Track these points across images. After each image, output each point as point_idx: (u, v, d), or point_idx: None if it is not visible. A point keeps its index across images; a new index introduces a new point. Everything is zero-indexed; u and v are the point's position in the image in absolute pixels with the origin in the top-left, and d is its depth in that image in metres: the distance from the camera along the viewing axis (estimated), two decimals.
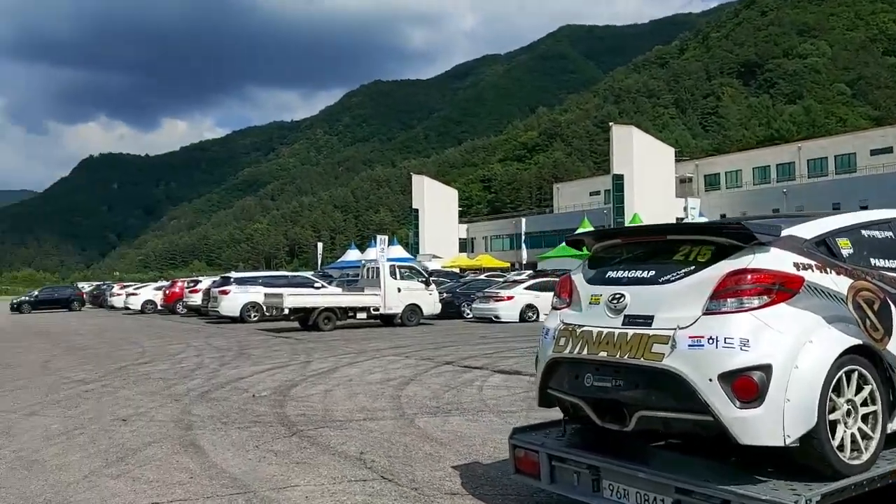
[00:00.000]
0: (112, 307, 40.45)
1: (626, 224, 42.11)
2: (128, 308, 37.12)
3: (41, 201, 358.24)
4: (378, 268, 21.59)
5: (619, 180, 54.10)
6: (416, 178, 78.48)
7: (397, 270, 21.65)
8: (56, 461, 6.25)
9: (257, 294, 24.25)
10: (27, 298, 43.70)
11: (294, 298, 20.11)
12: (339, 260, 71.26)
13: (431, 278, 23.73)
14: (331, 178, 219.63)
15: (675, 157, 63.27)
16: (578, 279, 4.39)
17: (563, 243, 42.04)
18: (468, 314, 24.42)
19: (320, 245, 79.02)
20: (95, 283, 57.45)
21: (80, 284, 57.15)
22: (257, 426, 7.47)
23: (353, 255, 67.06)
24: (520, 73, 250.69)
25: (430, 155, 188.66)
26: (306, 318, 20.15)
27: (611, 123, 60.58)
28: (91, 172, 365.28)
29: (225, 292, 24.65)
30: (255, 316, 24.50)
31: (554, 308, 4.53)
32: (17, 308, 42.04)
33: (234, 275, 27.16)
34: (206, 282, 29.95)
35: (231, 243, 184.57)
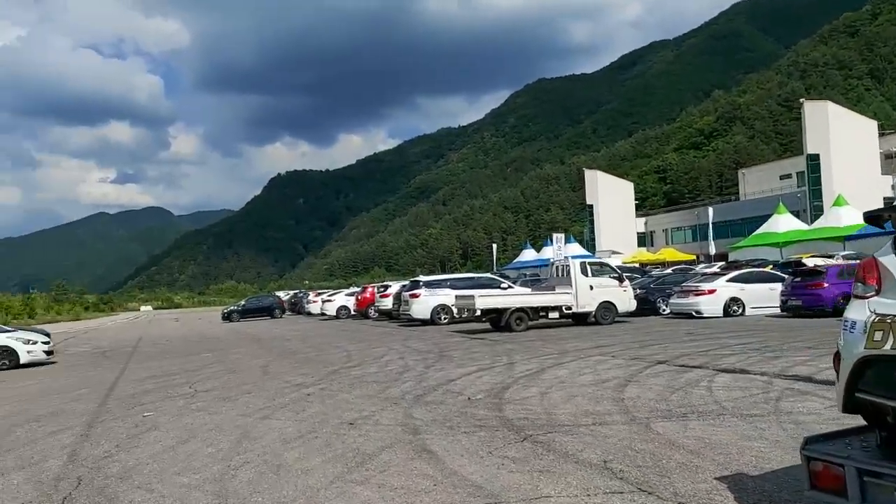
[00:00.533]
0: (309, 313, 42.94)
1: (829, 207, 38.61)
2: (324, 314, 39.17)
3: (239, 219, 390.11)
4: (568, 265, 21.07)
5: (814, 160, 49.70)
6: (588, 174, 76.83)
7: (588, 267, 21.01)
8: (299, 465, 6.37)
9: (446, 296, 24.57)
10: (236, 308, 47.47)
11: (485, 300, 20.08)
12: (514, 260, 71.35)
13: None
14: (499, 180, 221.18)
15: (878, 130, 57.22)
16: (889, 261, 3.71)
17: (758, 231, 39.33)
18: (664, 310, 23.27)
19: (494, 247, 79.57)
20: (292, 292, 61.35)
21: (278, 293, 61.22)
22: (483, 430, 7.28)
23: (528, 254, 66.86)
24: (691, 57, 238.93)
25: (600, 149, 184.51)
26: (498, 319, 20.05)
27: (801, 100, 55.79)
28: (279, 189, 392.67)
29: (416, 296, 25.21)
30: (444, 318, 24.84)
31: (857, 297, 3.87)
32: (227, 317, 45.76)
33: (423, 278, 27.73)
34: (395, 286, 30.89)
35: (407, 249, 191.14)
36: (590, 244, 67.64)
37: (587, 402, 8.51)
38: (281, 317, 45.77)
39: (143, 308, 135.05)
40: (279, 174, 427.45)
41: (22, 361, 18.58)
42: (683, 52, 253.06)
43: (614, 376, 10.48)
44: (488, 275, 31.70)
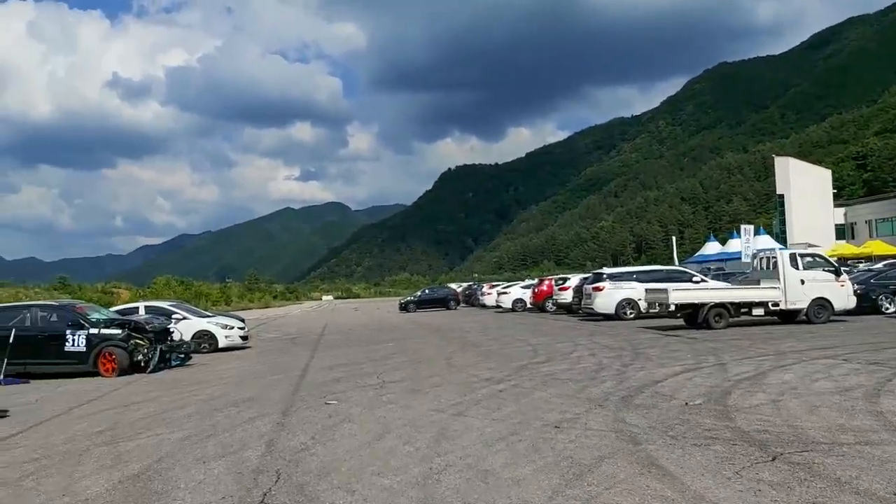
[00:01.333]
0: (483, 305, 42.77)
1: None
2: (499, 306, 38.77)
3: (411, 213, 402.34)
4: (775, 257, 18.99)
5: None
6: (779, 161, 70.80)
7: (799, 259, 18.77)
8: (508, 473, 5.64)
9: (632, 290, 23.16)
10: (412, 299, 48.46)
11: (680, 293, 18.52)
12: (697, 254, 67.41)
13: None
14: (676, 170, 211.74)
15: None
16: None
17: None
18: (888, 309, 20.48)
19: (674, 239, 75.69)
20: (465, 284, 61.74)
21: (451, 285, 61.85)
22: (717, 444, 6.19)
23: (712, 247, 62.89)
24: (894, 32, 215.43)
25: (788, 135, 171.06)
26: (694, 315, 18.43)
27: None
28: (450, 184, 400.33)
29: (599, 289, 23.98)
30: (630, 313, 23.40)
31: None
32: (404, 307, 46.80)
33: (606, 270, 26.45)
34: (574, 279, 29.77)
35: (578, 242, 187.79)
36: (780, 237, 62.41)
37: (837, 415, 7.13)
38: (456, 308, 46.03)
39: (324, 297, 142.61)
40: (449, 169, 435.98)
41: (220, 345, 19.53)
42: (887, 26, 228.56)
43: (858, 384, 8.90)
44: (678, 267, 29.69)
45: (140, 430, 8.32)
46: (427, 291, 52.06)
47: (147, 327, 15.29)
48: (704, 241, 69.67)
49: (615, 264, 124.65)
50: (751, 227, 51.39)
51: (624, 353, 13.84)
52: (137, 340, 14.88)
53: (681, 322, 19.39)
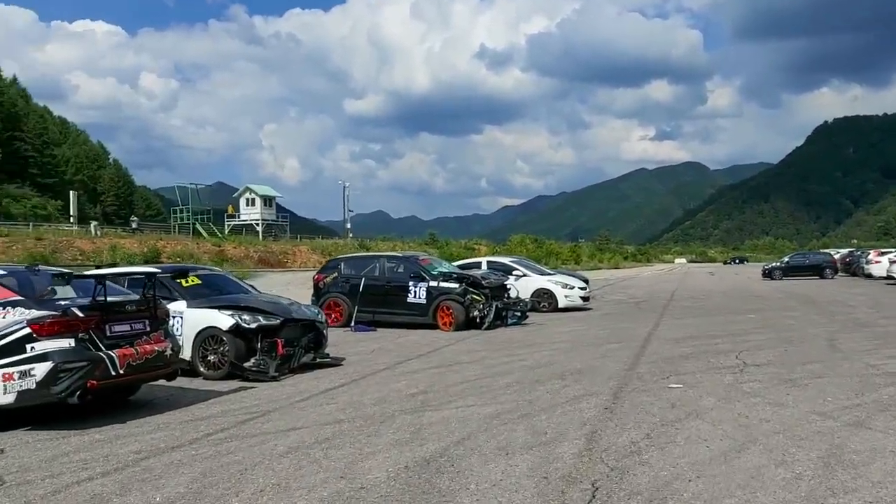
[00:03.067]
0: (869, 275, 36.09)
1: None
2: (891, 277, 32.24)
3: (777, 172, 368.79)
4: None
5: None
6: None
7: None
8: None
9: None
10: (778, 265, 43.10)
11: None
12: None
13: None
14: None
15: None
16: None
17: None
18: None
19: None
20: (843, 250, 53.46)
21: (828, 251, 54.03)
22: None
23: None
24: None
25: None
26: None
27: None
28: (825, 139, 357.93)
29: None
30: None
31: None
32: (768, 274, 41.83)
33: None
34: None
35: None
36: None
37: None
38: (832, 277, 39.72)
39: (677, 260, 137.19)
40: (825, 122, 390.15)
41: (559, 305, 18.53)
42: None
43: None
44: None
45: (452, 398, 7.38)
46: (797, 257, 45.93)
47: (483, 283, 14.78)
48: None
49: None
50: None
51: None
52: (474, 296, 14.44)
53: None
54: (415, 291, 14.63)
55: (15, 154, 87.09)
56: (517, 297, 16.16)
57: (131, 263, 34.69)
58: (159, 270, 9.55)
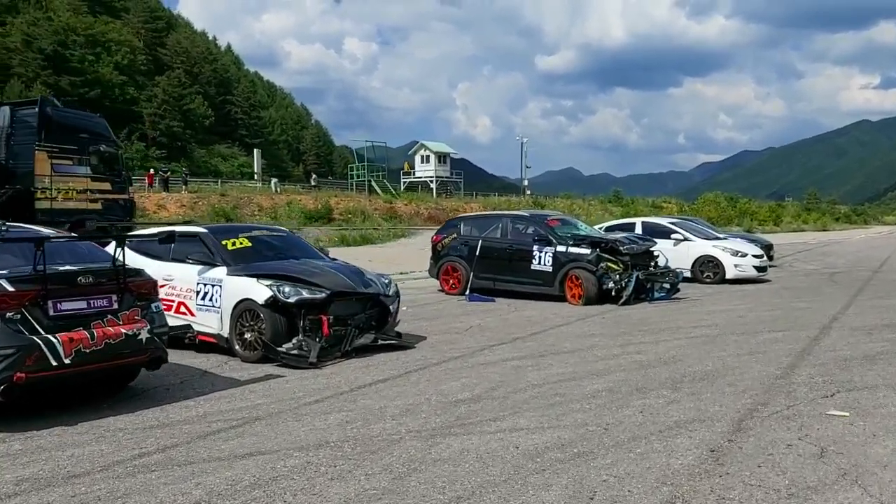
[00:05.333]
0: None
1: None
2: None
3: None
4: None
5: None
6: None
7: None
8: None
9: None
10: None
11: None
12: None
13: None
14: None
15: None
16: None
17: None
18: None
19: None
20: None
21: None
22: None
23: None
24: None
25: None
26: None
27: None
28: None
29: None
30: None
31: None
32: None
33: None
34: None
35: None
36: None
37: None
38: None
39: None
40: None
41: (727, 276, 15.54)
42: None
43: None
44: None
45: (502, 413, 5.43)
46: None
47: (622, 249, 12.38)
48: None
49: None
50: None
51: None
52: (610, 264, 12.11)
53: None
54: (540, 257, 12.56)
55: (227, 116, 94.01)
56: (666, 266, 13.51)
57: (309, 218, 35.32)
58: (204, 230, 8.39)
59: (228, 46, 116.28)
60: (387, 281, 8.36)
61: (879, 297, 13.23)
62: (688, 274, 15.56)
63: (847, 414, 5.22)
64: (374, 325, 7.98)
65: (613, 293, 11.97)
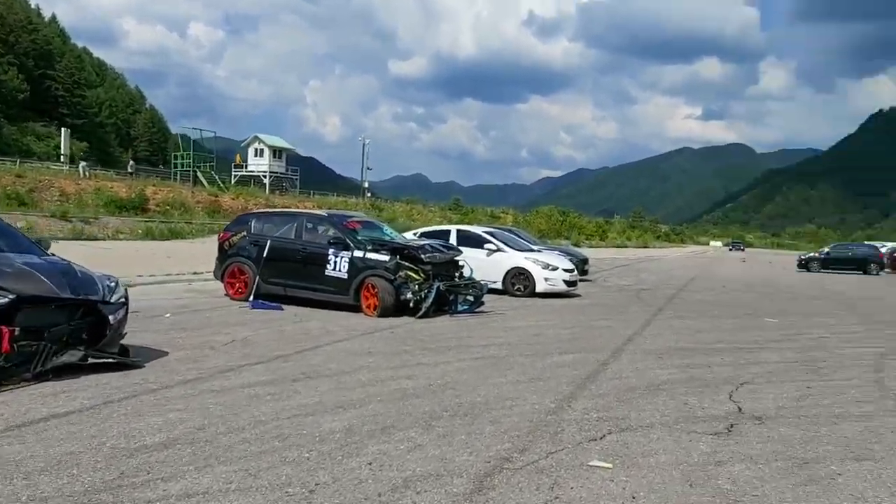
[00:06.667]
0: None
1: None
2: None
3: (826, 159, 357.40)
4: None
5: None
6: None
7: None
8: None
9: None
10: (817, 255, 38.88)
11: None
12: None
13: None
14: None
15: None
16: None
17: None
18: None
19: None
20: (890, 244, 48.84)
21: (874, 243, 49.44)
22: None
23: None
24: None
25: None
26: None
27: None
28: (879, 128, 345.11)
29: None
30: None
31: None
32: (804, 265, 37.82)
33: None
34: None
35: None
36: None
37: None
38: (877, 274, 35.55)
39: (712, 243, 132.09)
40: (881, 111, 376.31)
41: (537, 289, 15.12)
42: None
43: None
44: None
45: (176, 472, 4.15)
46: (839, 248, 41.68)
47: (424, 257, 11.44)
48: None
49: None
50: None
51: None
52: (410, 273, 11.14)
53: None
54: (335, 262, 11.36)
55: (45, 92, 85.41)
56: (471, 278, 12.75)
57: (120, 207, 31.99)
58: None
59: (53, 17, 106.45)
60: (111, 284, 6.79)
61: (679, 316, 13.20)
62: (499, 286, 14.99)
63: (610, 465, 4.39)
64: (86, 338, 6.40)
65: (412, 304, 10.99)
